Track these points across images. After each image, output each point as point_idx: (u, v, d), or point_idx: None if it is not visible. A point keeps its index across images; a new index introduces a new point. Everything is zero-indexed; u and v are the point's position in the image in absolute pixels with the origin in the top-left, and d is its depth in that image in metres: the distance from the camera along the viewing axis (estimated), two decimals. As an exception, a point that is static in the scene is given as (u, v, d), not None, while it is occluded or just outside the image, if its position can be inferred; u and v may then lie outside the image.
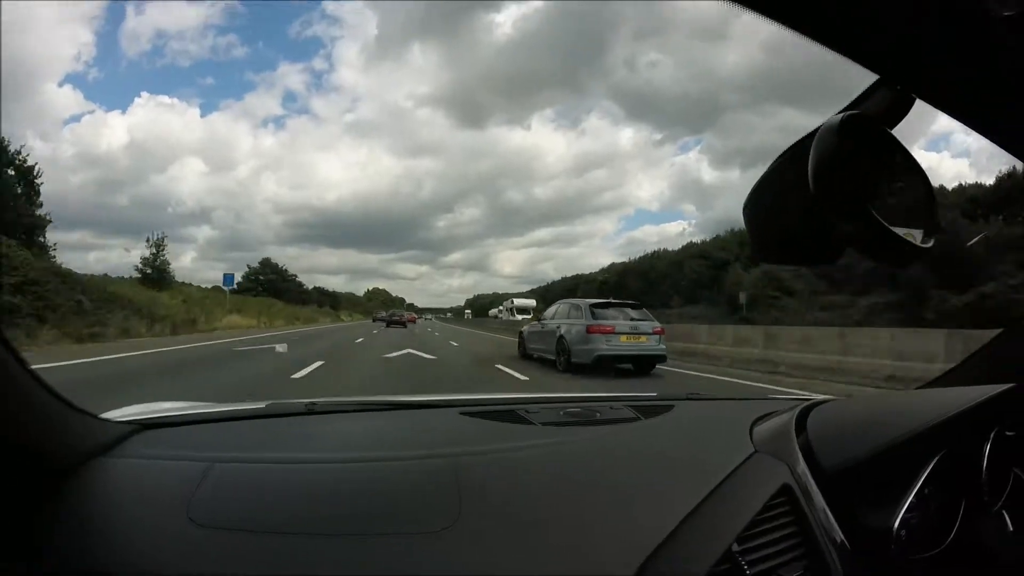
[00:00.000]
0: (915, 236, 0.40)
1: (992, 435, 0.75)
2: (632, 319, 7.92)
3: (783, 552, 0.61)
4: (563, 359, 7.90)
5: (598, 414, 1.03)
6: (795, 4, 0.31)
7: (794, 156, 0.42)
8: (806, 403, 0.90)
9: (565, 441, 0.84)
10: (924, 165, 0.46)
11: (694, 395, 1.27)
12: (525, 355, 9.82)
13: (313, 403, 0.97)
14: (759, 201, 0.46)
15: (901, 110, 0.41)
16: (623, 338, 7.50)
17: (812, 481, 0.68)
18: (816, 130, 0.41)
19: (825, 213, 0.40)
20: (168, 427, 0.80)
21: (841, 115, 0.40)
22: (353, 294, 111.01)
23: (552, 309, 9.52)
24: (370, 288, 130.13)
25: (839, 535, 0.63)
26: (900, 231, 0.39)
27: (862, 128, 0.40)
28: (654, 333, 7.79)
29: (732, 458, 0.73)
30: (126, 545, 0.52)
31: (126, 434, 0.71)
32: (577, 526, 0.59)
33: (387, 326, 31.88)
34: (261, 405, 0.96)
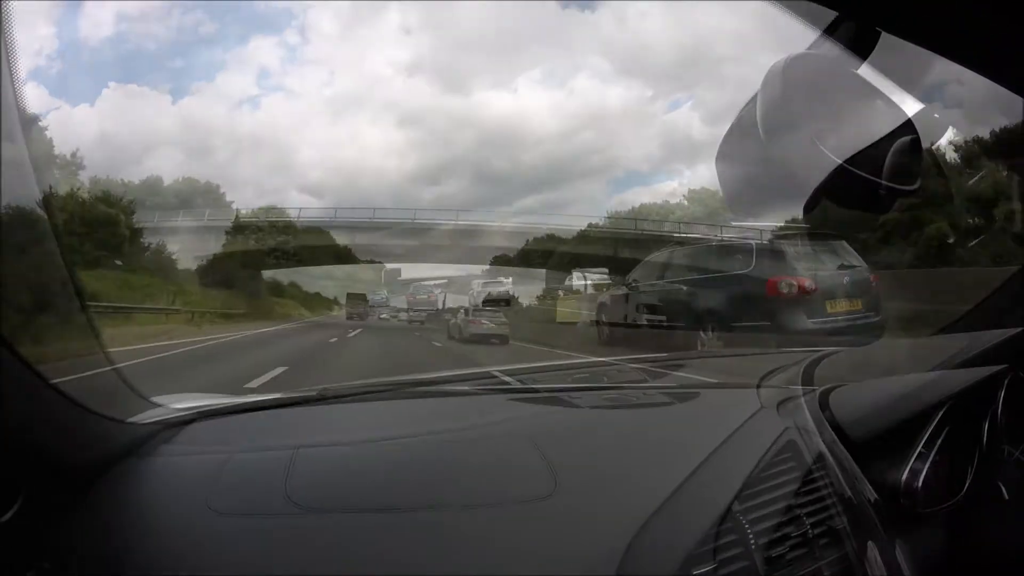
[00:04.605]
0: (892, 178, 0.36)
1: (1007, 380, 0.72)
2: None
3: (789, 509, 0.59)
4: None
5: (634, 397, 1.03)
6: None
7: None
8: (814, 356, 0.88)
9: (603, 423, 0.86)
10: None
11: (706, 352, 1.25)
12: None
13: (325, 389, 1.01)
14: (727, 153, 0.41)
15: (867, 45, 0.37)
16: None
17: (819, 436, 0.66)
18: None
19: (782, 163, 0.36)
20: (187, 424, 0.82)
21: (787, 57, 0.35)
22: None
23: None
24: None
25: (846, 490, 0.61)
26: (870, 174, 0.34)
27: (815, 68, 0.36)
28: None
29: (737, 416, 0.71)
30: (150, 542, 0.54)
31: (147, 435, 0.72)
32: (584, 494, 0.60)
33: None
34: (276, 396, 1.00)
